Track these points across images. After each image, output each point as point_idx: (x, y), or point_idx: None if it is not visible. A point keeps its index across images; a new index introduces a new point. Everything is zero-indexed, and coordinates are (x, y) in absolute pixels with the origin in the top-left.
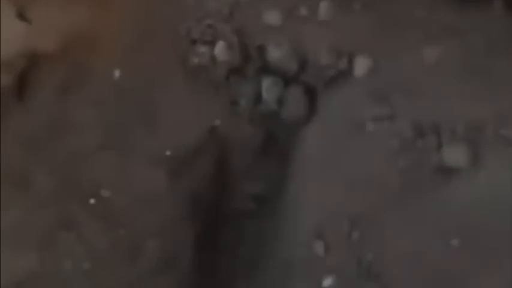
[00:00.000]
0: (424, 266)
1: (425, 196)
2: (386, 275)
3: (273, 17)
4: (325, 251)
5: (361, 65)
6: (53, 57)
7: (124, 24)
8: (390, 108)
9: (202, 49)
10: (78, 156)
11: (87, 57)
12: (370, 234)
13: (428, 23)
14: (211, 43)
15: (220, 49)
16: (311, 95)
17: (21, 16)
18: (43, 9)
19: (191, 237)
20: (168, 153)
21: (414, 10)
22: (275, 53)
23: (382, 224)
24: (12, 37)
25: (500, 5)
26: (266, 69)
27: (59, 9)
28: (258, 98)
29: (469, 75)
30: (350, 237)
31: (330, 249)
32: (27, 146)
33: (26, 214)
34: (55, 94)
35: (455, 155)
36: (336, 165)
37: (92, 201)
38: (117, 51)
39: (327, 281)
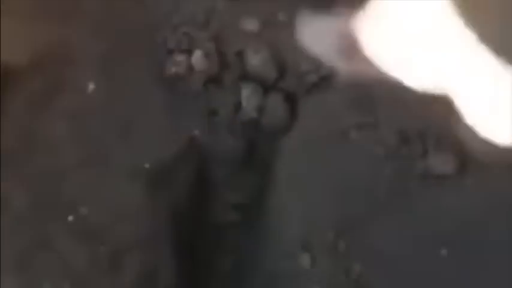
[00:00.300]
0: (413, 275)
1: (412, 204)
2: (375, 286)
3: (250, 24)
4: (311, 262)
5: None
6: (24, 71)
7: (97, 34)
8: (373, 115)
9: (179, 58)
10: (53, 172)
11: (60, 70)
12: (357, 244)
13: None
14: (188, 52)
15: (197, 58)
16: (292, 102)
17: None
18: (11, 22)
19: (172, 250)
20: (146, 165)
21: None
22: (254, 60)
23: (369, 234)
24: None
25: None
26: (245, 77)
27: (28, 22)
28: (237, 106)
29: None
30: (336, 247)
31: (316, 261)
32: (0, 165)
33: (1, 235)
34: (27, 109)
35: (441, 162)
36: (319, 174)
37: (70, 218)
38: (91, 62)
39: None
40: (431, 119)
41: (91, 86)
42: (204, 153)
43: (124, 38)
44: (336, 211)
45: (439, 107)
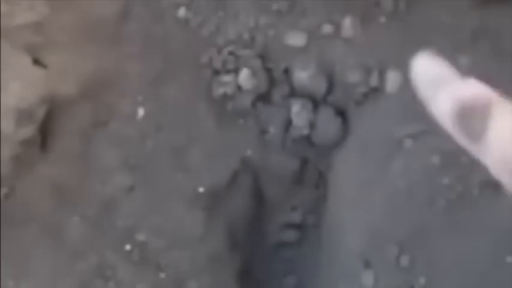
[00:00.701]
0: (480, 285)
1: (475, 213)
2: None
3: (296, 38)
4: (374, 280)
5: (393, 80)
6: (73, 101)
7: (143, 59)
8: (428, 123)
9: (226, 78)
10: (108, 201)
11: (109, 98)
12: (421, 258)
13: (457, 29)
14: (235, 71)
15: (244, 77)
16: (343, 115)
17: (37, 62)
18: (58, 53)
19: (232, 274)
20: (201, 190)
21: (441, 17)
22: (302, 75)
23: (432, 245)
24: (31, 85)
25: None
26: (294, 93)
27: (75, 51)
28: (287, 124)
29: (504, 81)
30: (399, 262)
31: (379, 278)
32: (55, 196)
33: (61, 266)
34: (78, 139)
35: None
36: (376, 187)
37: (128, 247)
38: (139, 88)
39: None
40: None
41: (140, 112)
42: (257, 173)
43: (170, 62)
44: (396, 224)
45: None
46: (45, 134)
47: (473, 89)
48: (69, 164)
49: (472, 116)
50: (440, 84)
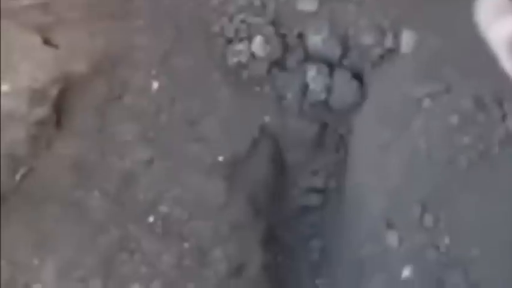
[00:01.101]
0: (505, 243)
1: (496, 170)
2: (467, 258)
3: (307, 3)
4: (399, 241)
5: (408, 40)
6: (86, 79)
7: (154, 32)
8: (445, 82)
9: (240, 47)
10: (128, 174)
11: (122, 72)
12: (444, 217)
13: None
14: (248, 39)
15: (258, 44)
16: (359, 78)
17: (48, 42)
18: (68, 32)
19: (256, 241)
20: (220, 159)
21: None
22: (316, 40)
23: (455, 205)
24: (42, 65)
25: None
26: (308, 57)
27: (84, 29)
28: (304, 89)
29: None
30: (423, 222)
31: (403, 239)
32: (75, 173)
33: (84, 242)
34: (93, 115)
35: None
36: (396, 148)
37: (151, 219)
38: (151, 61)
39: (405, 273)
40: (506, 81)
41: (155, 85)
42: (276, 140)
43: (181, 33)
44: (418, 184)
45: None
46: (60, 113)
47: None
48: (86, 140)
49: None
50: (502, 11)
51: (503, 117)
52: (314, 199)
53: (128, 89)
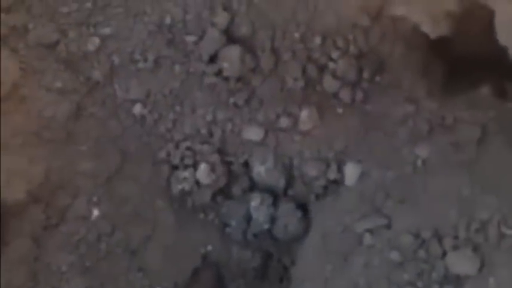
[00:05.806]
0: None
1: None
2: None
3: (253, 132)
4: None
5: (352, 172)
6: (23, 206)
7: (98, 157)
8: (387, 217)
9: (185, 174)
10: None
11: (61, 200)
12: None
13: (415, 119)
14: (193, 166)
15: (202, 172)
16: (303, 209)
17: None
18: (7, 159)
19: None
20: None
21: (400, 107)
22: (260, 170)
23: None
24: None
25: (487, 92)
26: (254, 186)
27: (25, 155)
28: (248, 218)
29: (463, 173)
30: None
31: None
32: None
33: None
34: (30, 243)
35: (461, 262)
36: (338, 283)
37: None
38: (93, 187)
39: None
40: (446, 215)
41: (95, 212)
42: (219, 269)
43: (126, 159)
44: None
45: None
46: None
47: None
48: (22, 268)
49: None
50: None
51: (443, 255)
52: None
53: (66, 216)
